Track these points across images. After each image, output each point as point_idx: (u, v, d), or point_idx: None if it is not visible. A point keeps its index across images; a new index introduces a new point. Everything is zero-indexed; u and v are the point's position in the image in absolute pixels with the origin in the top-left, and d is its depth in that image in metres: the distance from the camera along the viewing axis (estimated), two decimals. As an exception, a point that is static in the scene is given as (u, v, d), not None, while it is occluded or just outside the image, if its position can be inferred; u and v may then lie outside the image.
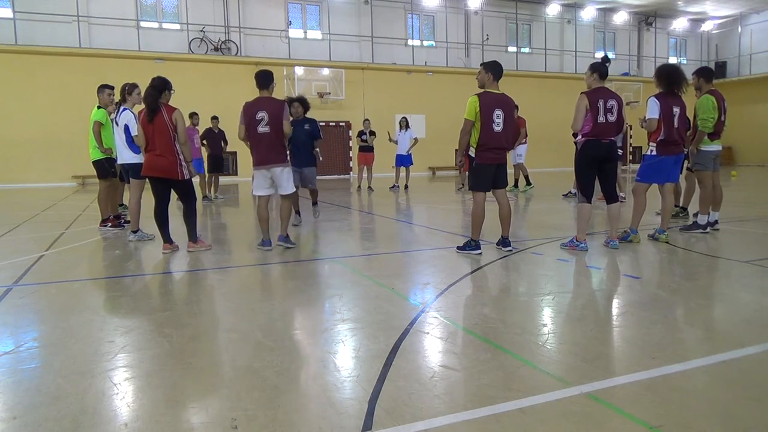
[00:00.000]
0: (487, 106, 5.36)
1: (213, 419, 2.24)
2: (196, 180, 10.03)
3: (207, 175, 11.95)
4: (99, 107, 7.41)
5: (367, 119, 14.34)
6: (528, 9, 24.89)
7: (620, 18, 26.72)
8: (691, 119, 6.63)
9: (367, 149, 13.78)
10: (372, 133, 13.80)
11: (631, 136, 24.28)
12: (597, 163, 5.62)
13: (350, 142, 20.81)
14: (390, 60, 22.20)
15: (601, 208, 8.13)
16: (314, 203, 8.39)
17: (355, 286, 4.47)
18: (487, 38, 23.73)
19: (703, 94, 6.47)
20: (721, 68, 27.40)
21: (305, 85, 19.87)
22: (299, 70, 19.79)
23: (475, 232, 5.54)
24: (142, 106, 6.40)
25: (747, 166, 24.99)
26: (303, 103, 7.63)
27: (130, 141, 6.72)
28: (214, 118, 12.40)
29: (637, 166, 6.54)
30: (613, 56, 26.32)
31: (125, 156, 6.84)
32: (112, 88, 7.54)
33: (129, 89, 6.89)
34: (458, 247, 5.66)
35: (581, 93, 5.57)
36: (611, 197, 5.78)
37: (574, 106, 5.53)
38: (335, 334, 3.28)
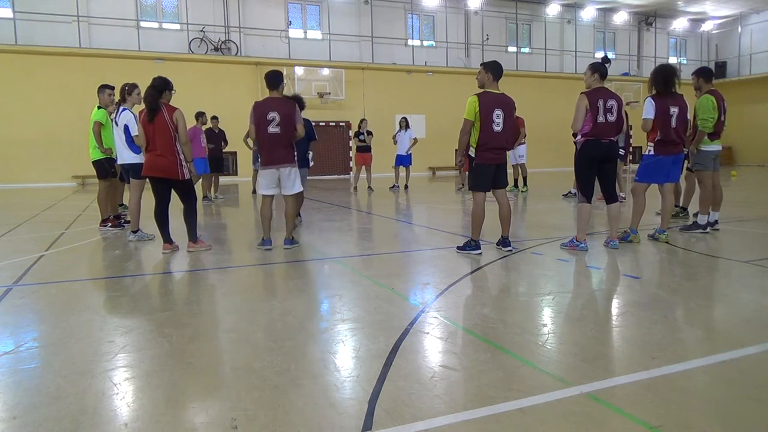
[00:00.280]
0: (487, 106, 5.36)
1: (213, 419, 2.24)
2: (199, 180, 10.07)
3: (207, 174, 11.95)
4: (99, 107, 7.41)
5: (364, 119, 14.33)
6: (528, 9, 24.89)
7: (620, 18, 26.72)
8: (691, 119, 6.63)
9: (364, 149, 13.76)
10: (369, 133, 13.80)
11: (631, 136, 24.26)
12: (597, 163, 5.62)
13: (350, 142, 20.81)
14: (390, 60, 22.20)
15: (600, 208, 8.13)
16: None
17: (355, 286, 4.47)
18: (487, 38, 23.73)
19: (703, 94, 6.47)
20: (721, 68, 27.40)
21: (305, 85, 19.87)
22: (299, 70, 19.79)
23: (475, 232, 5.54)
24: (142, 106, 6.40)
25: (747, 166, 24.99)
26: (299, 102, 7.58)
27: (130, 141, 6.72)
28: (214, 118, 12.41)
29: (636, 166, 6.53)
30: (613, 56, 26.32)
31: (125, 156, 6.84)
32: (112, 88, 7.54)
33: (129, 89, 6.89)
34: (458, 247, 5.66)
35: (581, 93, 5.57)
36: (611, 197, 5.78)
37: (574, 106, 5.53)
38: (335, 334, 3.28)
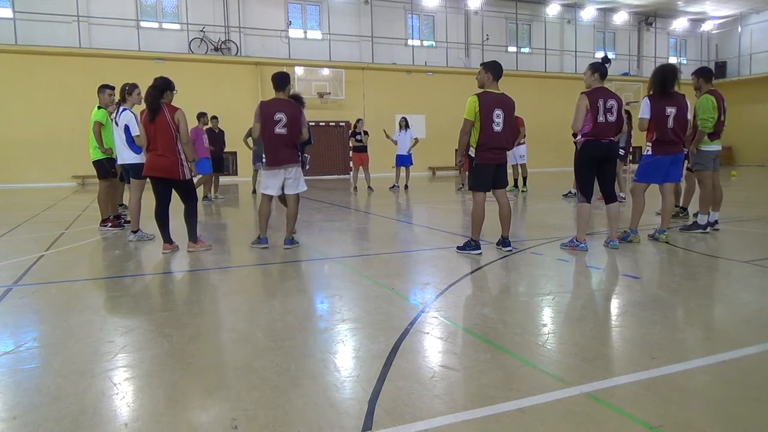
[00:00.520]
0: (487, 106, 5.36)
1: (213, 419, 2.24)
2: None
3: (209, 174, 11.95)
4: (99, 107, 7.41)
5: (360, 119, 14.32)
6: (528, 9, 24.89)
7: (620, 18, 26.72)
8: (691, 119, 6.63)
9: (361, 149, 13.75)
10: (365, 133, 13.79)
11: (631, 136, 24.27)
12: (597, 163, 5.62)
13: (350, 142, 20.81)
14: (390, 60, 22.21)
15: (600, 208, 8.13)
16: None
17: (355, 286, 4.47)
18: (487, 38, 23.73)
19: (703, 94, 6.47)
20: (721, 68, 27.40)
21: (305, 85, 19.87)
22: (299, 70, 19.79)
23: (475, 232, 5.54)
24: (143, 106, 6.40)
25: (747, 166, 24.99)
26: (298, 100, 7.48)
27: (130, 141, 6.72)
28: (214, 118, 12.41)
29: (636, 167, 6.54)
30: (613, 56, 26.32)
31: (125, 156, 6.83)
32: (112, 88, 7.54)
33: (129, 89, 6.88)
34: (458, 247, 5.66)
35: (581, 93, 5.57)
36: (610, 197, 5.78)
37: (574, 106, 5.53)
38: (335, 334, 3.28)
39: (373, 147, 14.31)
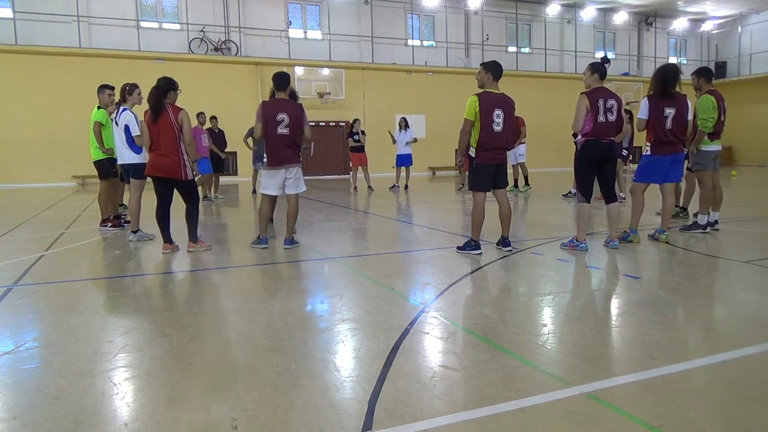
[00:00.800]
0: (487, 106, 5.36)
1: (213, 419, 2.24)
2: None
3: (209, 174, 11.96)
4: (99, 107, 7.41)
5: (357, 119, 14.32)
6: (528, 9, 24.90)
7: (620, 18, 26.73)
8: (691, 119, 6.62)
9: (358, 149, 13.75)
10: (362, 133, 13.79)
11: (633, 136, 24.27)
12: (597, 163, 5.62)
13: (348, 142, 20.82)
14: (390, 60, 22.21)
15: (600, 208, 8.13)
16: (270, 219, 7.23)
17: (355, 286, 4.47)
18: (487, 38, 23.73)
19: (703, 94, 6.47)
20: (721, 68, 27.41)
21: (305, 85, 19.87)
22: (299, 70, 19.79)
23: (475, 232, 5.54)
24: (144, 106, 6.40)
25: (747, 166, 24.99)
26: (292, 97, 7.23)
27: (131, 141, 6.72)
28: (214, 118, 12.42)
29: (635, 167, 6.54)
30: (613, 56, 26.33)
31: (125, 156, 6.83)
32: (112, 88, 7.55)
33: (129, 89, 6.87)
34: (458, 247, 5.66)
35: (581, 93, 5.57)
36: (610, 197, 5.78)
37: (574, 106, 5.53)
38: (335, 334, 3.28)
39: (373, 147, 14.31)
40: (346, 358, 2.93)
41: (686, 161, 6.97)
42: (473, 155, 5.52)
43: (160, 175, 5.73)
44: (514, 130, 6.12)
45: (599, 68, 5.60)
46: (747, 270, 4.86)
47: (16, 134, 17.01)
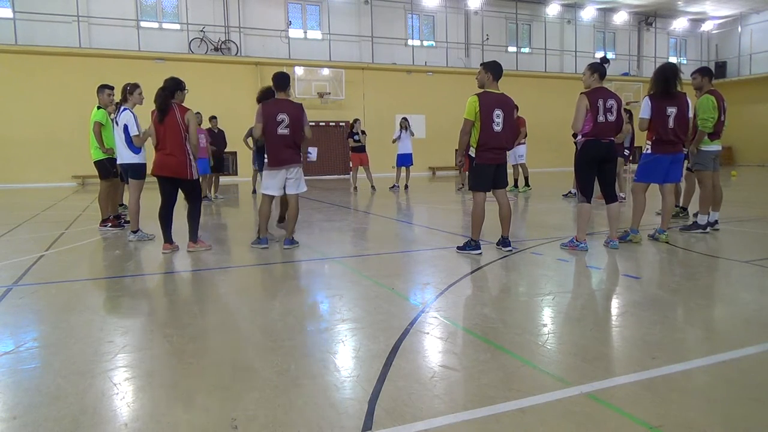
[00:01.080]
0: (487, 106, 5.36)
1: (213, 419, 2.24)
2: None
3: (208, 174, 11.95)
4: (99, 107, 7.41)
5: (357, 119, 14.31)
6: (528, 9, 24.89)
7: (620, 18, 26.72)
8: (691, 119, 6.62)
9: (359, 149, 13.75)
10: (363, 133, 13.80)
11: (633, 136, 24.27)
12: (597, 163, 5.62)
13: (348, 143, 20.82)
14: (390, 60, 22.20)
15: (601, 207, 8.13)
16: (282, 218, 7.07)
17: (355, 286, 4.47)
18: (487, 38, 23.73)
19: (703, 94, 6.47)
20: (721, 68, 27.40)
21: (305, 85, 19.87)
22: (299, 70, 19.79)
23: (475, 232, 5.54)
24: (145, 106, 6.41)
25: (747, 166, 24.99)
26: (269, 95, 6.65)
27: (129, 141, 6.71)
28: (213, 118, 12.41)
29: (635, 166, 6.54)
30: (613, 56, 26.33)
31: (124, 156, 6.82)
32: (112, 88, 7.55)
33: (130, 89, 6.85)
34: (458, 247, 5.66)
35: (581, 93, 5.57)
36: (610, 197, 5.78)
37: (574, 106, 5.53)
38: (335, 334, 3.28)
39: (373, 147, 14.30)
40: (346, 358, 2.93)
41: (686, 161, 6.97)
42: (473, 155, 5.52)
43: (167, 174, 5.76)
44: (514, 131, 6.11)
45: (599, 68, 5.60)
46: (747, 270, 4.86)
47: (16, 134, 17.00)
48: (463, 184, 13.01)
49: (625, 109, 6.31)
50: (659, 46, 27.67)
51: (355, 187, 14.27)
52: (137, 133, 6.55)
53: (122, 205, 8.64)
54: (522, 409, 2.28)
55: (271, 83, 6.04)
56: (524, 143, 12.53)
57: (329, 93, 20.31)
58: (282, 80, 5.88)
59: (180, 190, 5.91)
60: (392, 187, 14.01)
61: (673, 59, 28.17)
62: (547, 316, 3.66)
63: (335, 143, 21.04)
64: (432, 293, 4.17)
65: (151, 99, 6.86)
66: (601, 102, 5.42)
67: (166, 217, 5.90)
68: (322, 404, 2.36)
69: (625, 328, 3.37)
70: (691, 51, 29.40)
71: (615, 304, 3.98)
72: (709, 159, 6.56)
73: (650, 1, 25.18)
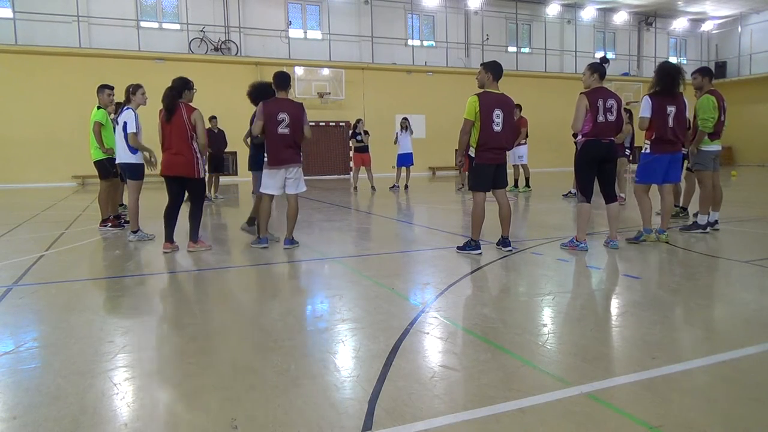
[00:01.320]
0: (487, 106, 5.36)
1: (213, 419, 2.24)
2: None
3: (207, 175, 11.95)
4: (99, 107, 7.41)
5: (359, 119, 14.32)
6: (528, 9, 24.89)
7: (620, 18, 26.72)
8: (691, 119, 6.62)
9: (362, 149, 13.76)
10: (366, 133, 13.80)
11: (634, 136, 24.27)
12: (597, 163, 5.62)
13: (350, 142, 20.81)
14: (390, 60, 22.20)
15: (601, 207, 8.13)
16: (251, 221, 6.80)
17: (355, 286, 4.47)
18: (487, 38, 23.73)
19: (704, 94, 6.47)
20: (721, 68, 27.39)
21: (305, 85, 19.87)
22: (299, 70, 19.78)
23: (475, 232, 5.54)
24: (148, 106, 6.41)
25: (747, 166, 24.99)
26: (265, 94, 6.28)
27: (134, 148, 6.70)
28: (213, 118, 12.41)
29: (635, 167, 6.52)
30: (613, 56, 26.33)
31: (122, 155, 6.81)
32: (112, 88, 7.55)
33: (133, 90, 6.81)
34: (458, 247, 5.66)
35: (581, 93, 5.57)
36: (610, 197, 5.77)
37: (574, 106, 5.53)
38: (335, 334, 3.28)
39: (373, 147, 14.29)
40: (346, 358, 2.93)
41: (686, 161, 6.97)
42: (473, 155, 5.52)
43: (174, 174, 5.78)
44: (514, 131, 6.09)
45: (599, 68, 5.60)
46: (747, 270, 4.86)
47: (16, 134, 17.00)
48: (463, 184, 13.01)
49: (625, 109, 6.30)
50: (659, 46, 27.67)
51: (356, 187, 14.27)
52: (134, 130, 6.49)
53: (122, 205, 8.64)
54: (522, 409, 2.28)
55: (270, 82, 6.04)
56: (525, 143, 12.53)
57: (329, 93, 20.31)
58: (283, 80, 5.88)
59: (186, 189, 5.92)
60: (392, 187, 14.01)
61: (673, 59, 28.14)
62: (547, 316, 3.66)
63: (335, 143, 21.05)
64: (432, 293, 4.17)
65: (153, 99, 6.88)
66: (601, 102, 5.42)
67: (170, 217, 5.93)
68: (322, 404, 2.36)
69: (625, 328, 3.37)
70: (691, 51, 29.40)
71: (615, 304, 3.98)
72: (710, 159, 6.55)
73: (650, 1, 25.18)
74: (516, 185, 12.85)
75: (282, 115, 5.73)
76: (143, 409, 2.36)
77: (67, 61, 17.38)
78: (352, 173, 14.62)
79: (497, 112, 5.40)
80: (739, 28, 27.59)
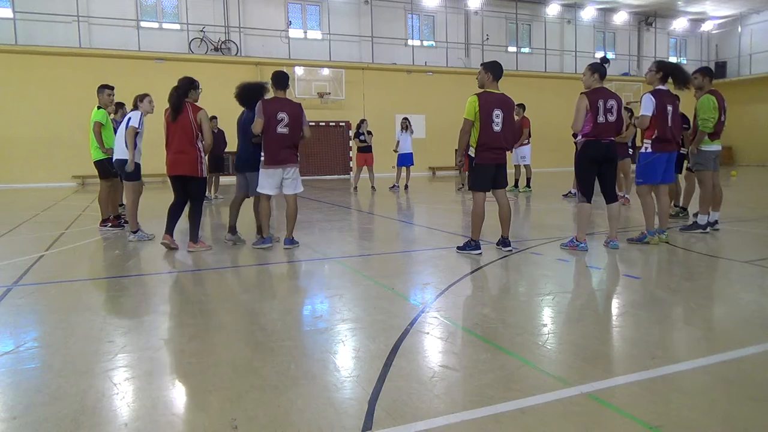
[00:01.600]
0: (487, 106, 5.36)
1: (213, 419, 2.24)
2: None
3: (207, 175, 11.94)
4: (99, 107, 7.41)
5: (363, 119, 14.31)
6: (528, 9, 24.88)
7: (620, 18, 26.72)
8: (691, 119, 6.61)
9: (365, 149, 13.77)
10: (369, 133, 13.81)
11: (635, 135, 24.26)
12: (597, 164, 5.61)
13: (350, 142, 20.78)
14: (390, 60, 22.19)
15: (601, 207, 8.13)
16: (232, 229, 6.49)
17: (355, 286, 4.47)
18: (487, 38, 23.73)
19: (704, 94, 6.47)
20: (721, 68, 27.37)
21: (305, 85, 19.86)
22: (299, 70, 19.78)
23: (475, 232, 5.54)
24: (155, 115, 6.43)
25: (747, 166, 24.99)
26: (263, 88, 6.20)
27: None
28: (213, 118, 12.39)
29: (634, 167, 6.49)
30: (613, 56, 26.31)
31: (119, 152, 6.80)
32: (112, 88, 7.56)
33: (140, 98, 6.92)
34: (458, 247, 5.66)
35: (581, 93, 5.57)
36: (610, 197, 5.77)
37: (574, 107, 5.53)
38: (335, 334, 3.28)
39: (374, 147, 14.28)
40: (346, 358, 2.93)
41: (686, 161, 6.96)
42: (473, 155, 5.52)
43: (178, 173, 5.82)
44: (514, 131, 6.07)
45: (599, 68, 5.60)
46: (747, 270, 4.86)
47: (16, 134, 16.99)
48: (463, 184, 13.01)
49: (626, 108, 6.28)
50: (659, 46, 27.66)
51: (356, 187, 14.27)
52: (135, 125, 6.54)
53: (122, 205, 8.64)
54: (522, 409, 2.28)
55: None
56: (528, 144, 12.53)
57: (329, 93, 20.30)
58: (282, 79, 5.89)
59: (187, 188, 5.93)
60: (392, 186, 14.01)
61: (673, 59, 28.15)
62: (547, 316, 3.66)
63: (335, 143, 21.04)
64: (432, 293, 4.17)
65: (154, 99, 6.91)
66: (601, 102, 5.42)
67: (174, 212, 5.99)
68: (322, 404, 2.36)
69: (625, 328, 3.37)
70: (691, 51, 29.39)
71: (615, 304, 3.98)
72: (710, 159, 6.55)
73: (650, 1, 25.17)
74: (516, 185, 12.84)
75: (281, 115, 5.73)
76: (143, 409, 2.36)
77: (67, 61, 17.38)
78: (352, 173, 14.61)
79: (497, 112, 5.40)
80: (739, 28, 27.58)
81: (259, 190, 6.02)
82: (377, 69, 21.54)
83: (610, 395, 2.40)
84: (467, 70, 21.82)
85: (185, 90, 5.77)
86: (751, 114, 25.34)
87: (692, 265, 5.20)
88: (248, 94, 6.11)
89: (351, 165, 20.77)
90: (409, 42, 22.82)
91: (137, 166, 6.74)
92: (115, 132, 7.27)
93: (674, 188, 8.29)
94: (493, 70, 5.52)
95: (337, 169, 21.24)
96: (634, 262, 5.30)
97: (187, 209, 5.99)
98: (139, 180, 6.81)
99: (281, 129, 5.75)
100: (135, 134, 6.52)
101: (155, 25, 19.37)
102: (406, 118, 14.26)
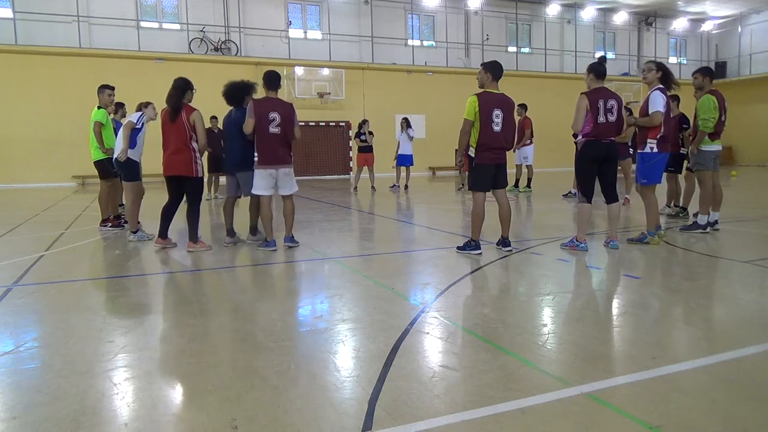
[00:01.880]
0: (487, 106, 5.36)
1: (213, 419, 2.24)
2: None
3: (207, 175, 11.96)
4: (99, 107, 7.42)
5: (365, 120, 14.32)
6: (528, 9, 24.88)
7: (620, 18, 26.71)
8: (692, 119, 6.61)
9: (366, 149, 13.77)
10: (370, 133, 13.81)
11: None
12: (597, 164, 5.61)
13: (350, 142, 20.77)
14: (390, 60, 22.19)
15: (601, 208, 8.12)
16: (253, 228, 6.55)
17: (355, 286, 4.47)
18: (487, 38, 23.73)
19: (704, 94, 6.47)
20: (721, 68, 27.37)
21: (305, 85, 19.85)
22: (299, 70, 19.78)
23: (475, 232, 5.54)
24: (158, 121, 6.47)
25: (747, 166, 24.99)
26: (252, 88, 6.30)
27: (135, 134, 6.72)
28: (213, 118, 12.40)
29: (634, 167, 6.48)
30: (613, 56, 26.32)
31: (118, 149, 6.82)
32: (112, 88, 7.56)
33: (144, 105, 7.03)
34: (458, 247, 5.66)
35: (581, 93, 5.57)
36: (611, 197, 5.76)
37: (574, 107, 5.52)
38: (335, 334, 3.28)
39: (374, 147, 14.29)
40: (346, 358, 2.93)
41: (685, 161, 6.95)
42: (473, 155, 5.52)
43: (174, 173, 5.83)
44: (514, 131, 6.05)
45: (597, 68, 5.60)
46: (747, 270, 4.86)
47: (16, 134, 16.99)
48: (463, 184, 13.00)
49: (626, 107, 6.27)
50: (659, 46, 27.65)
51: (356, 187, 14.27)
52: (134, 120, 6.62)
53: (122, 205, 8.64)
54: (522, 409, 2.28)
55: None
56: (530, 144, 12.52)
57: (329, 93, 20.30)
58: (273, 79, 5.88)
59: (183, 188, 5.95)
60: (392, 186, 14.01)
61: (673, 59, 28.18)
62: (547, 316, 3.66)
63: (335, 143, 21.03)
64: (432, 293, 4.17)
65: (154, 100, 6.98)
66: (601, 102, 5.41)
67: (167, 213, 5.99)
68: (321, 404, 2.36)
69: (625, 328, 3.37)
70: (691, 51, 29.39)
71: (615, 304, 3.98)
72: (710, 159, 6.55)
73: (650, 1, 25.17)
74: (516, 185, 12.84)
75: (273, 114, 5.72)
76: (143, 409, 2.36)
77: (67, 61, 17.37)
78: (352, 173, 14.60)
79: (497, 112, 5.40)
80: (739, 28, 27.58)
81: (253, 191, 5.99)
82: (377, 69, 21.53)
83: (610, 395, 2.40)
84: (467, 70, 21.82)
85: (183, 90, 5.79)
86: (751, 114, 25.34)
87: (692, 265, 5.20)
88: (235, 93, 6.17)
89: (351, 165, 20.77)
90: (409, 42, 22.82)
91: (137, 166, 6.75)
92: (116, 132, 7.30)
93: (674, 188, 8.30)
94: (493, 70, 5.52)
95: (337, 169, 21.23)
96: (634, 262, 5.30)
97: (185, 210, 5.99)
98: (139, 180, 6.82)
99: (273, 129, 5.74)
100: (131, 129, 6.58)
101: (155, 25, 19.37)
102: (405, 118, 14.26)
